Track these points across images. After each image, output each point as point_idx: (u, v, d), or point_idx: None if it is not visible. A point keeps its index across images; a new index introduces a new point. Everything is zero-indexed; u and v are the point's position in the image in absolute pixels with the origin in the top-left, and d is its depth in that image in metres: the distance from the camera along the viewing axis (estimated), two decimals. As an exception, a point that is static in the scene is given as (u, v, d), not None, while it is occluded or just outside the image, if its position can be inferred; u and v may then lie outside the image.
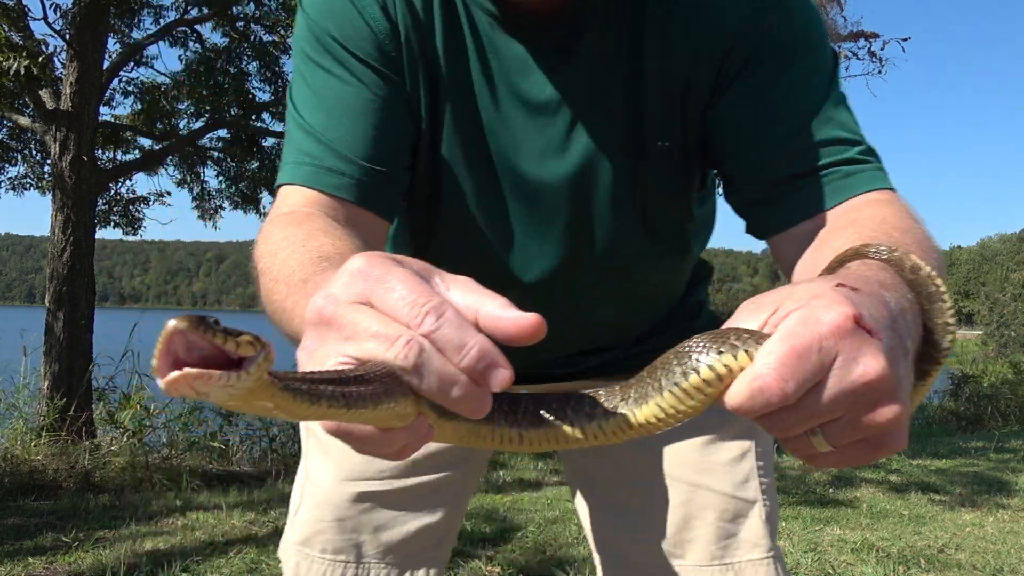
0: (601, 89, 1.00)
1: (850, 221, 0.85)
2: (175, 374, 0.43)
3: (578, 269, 1.13)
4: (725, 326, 0.56)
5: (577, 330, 1.23)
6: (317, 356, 0.53)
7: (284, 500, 4.84)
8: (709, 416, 1.17)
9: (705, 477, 1.18)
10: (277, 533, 3.95)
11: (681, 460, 1.19)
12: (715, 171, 1.13)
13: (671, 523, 1.18)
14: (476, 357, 0.49)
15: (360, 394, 0.48)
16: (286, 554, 1.26)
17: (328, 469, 1.24)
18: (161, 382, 0.43)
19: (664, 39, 0.98)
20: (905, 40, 8.51)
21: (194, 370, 0.42)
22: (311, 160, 0.96)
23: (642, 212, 1.09)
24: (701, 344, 0.54)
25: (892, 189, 0.93)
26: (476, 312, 0.52)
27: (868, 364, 0.50)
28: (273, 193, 1.05)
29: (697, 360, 0.53)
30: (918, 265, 0.63)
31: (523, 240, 1.10)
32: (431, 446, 1.28)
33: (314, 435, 1.28)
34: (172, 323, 0.42)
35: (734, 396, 0.52)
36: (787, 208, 0.95)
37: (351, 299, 0.52)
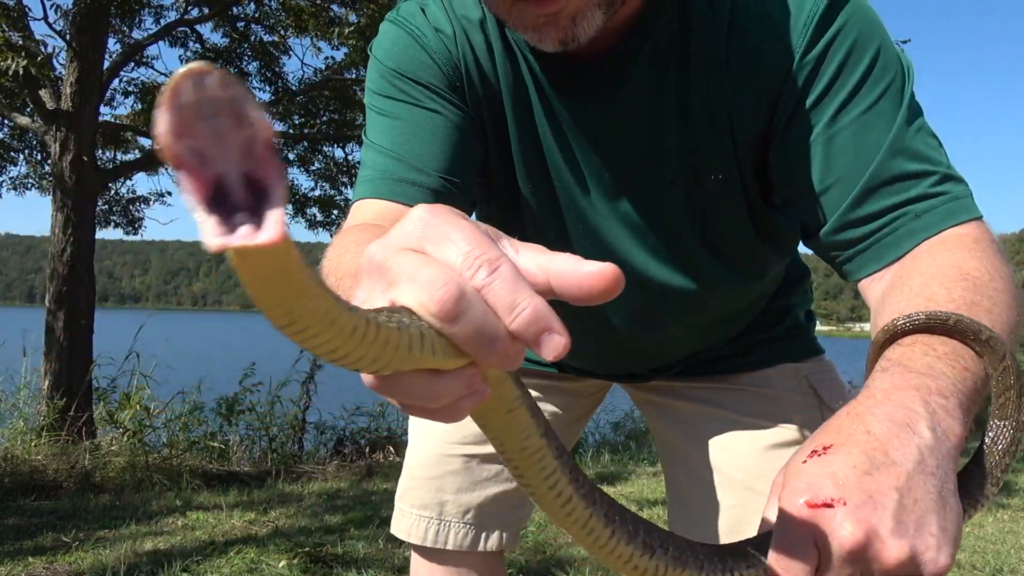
0: (652, 124, 1.01)
1: (904, 277, 0.82)
2: (219, 241, 0.34)
3: (645, 298, 1.14)
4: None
5: (650, 350, 1.27)
6: (365, 306, 0.48)
7: (284, 500, 4.84)
8: (772, 422, 1.21)
9: (761, 483, 1.19)
10: (277, 533, 3.95)
11: (740, 463, 1.20)
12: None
13: (724, 523, 1.21)
14: (528, 319, 0.44)
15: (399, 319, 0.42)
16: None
17: (423, 431, 1.39)
18: (213, 241, 0.34)
19: (709, 76, 0.97)
20: (904, 43, 8.50)
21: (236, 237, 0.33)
22: (382, 174, 0.98)
23: (708, 242, 1.09)
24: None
25: (969, 220, 0.87)
26: (547, 269, 0.47)
27: (839, 537, 0.55)
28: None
29: None
30: (949, 317, 0.66)
31: None
32: None
33: None
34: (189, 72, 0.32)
35: None
36: (859, 259, 0.91)
37: (405, 245, 0.48)
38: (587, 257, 1.17)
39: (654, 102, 1.00)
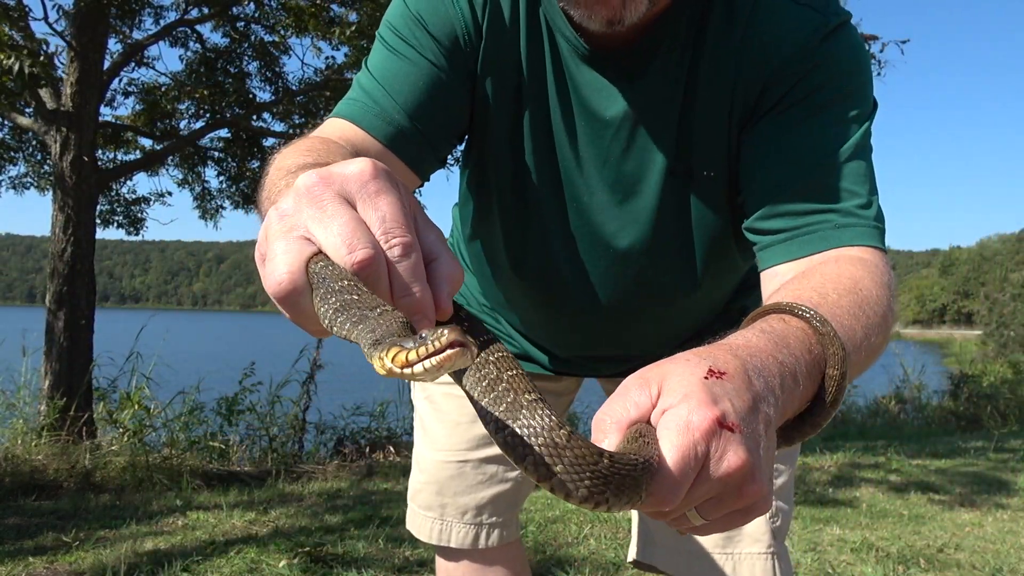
0: (658, 115, 1.08)
1: (806, 273, 0.92)
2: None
3: (626, 281, 1.21)
4: (611, 399, 0.64)
5: (614, 340, 1.33)
6: (287, 221, 0.59)
7: (284, 500, 4.84)
8: None
9: None
10: (277, 533, 3.95)
11: None
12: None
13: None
14: (410, 305, 0.58)
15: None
16: None
17: (423, 440, 1.52)
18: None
19: (716, 74, 1.05)
20: (904, 43, 8.49)
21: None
22: (368, 102, 1.05)
23: (689, 236, 1.16)
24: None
25: (877, 247, 0.96)
26: (434, 258, 0.61)
27: (730, 459, 0.59)
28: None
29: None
30: (824, 321, 0.75)
31: (585, 251, 1.19)
32: None
33: (417, 412, 1.57)
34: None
35: (644, 505, 0.60)
36: (776, 249, 1.00)
37: (341, 191, 0.59)
38: (576, 237, 1.23)
39: (665, 95, 1.07)
